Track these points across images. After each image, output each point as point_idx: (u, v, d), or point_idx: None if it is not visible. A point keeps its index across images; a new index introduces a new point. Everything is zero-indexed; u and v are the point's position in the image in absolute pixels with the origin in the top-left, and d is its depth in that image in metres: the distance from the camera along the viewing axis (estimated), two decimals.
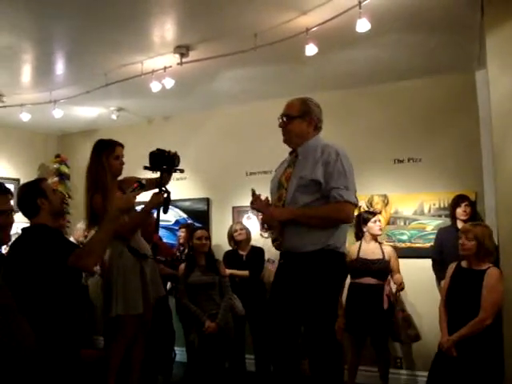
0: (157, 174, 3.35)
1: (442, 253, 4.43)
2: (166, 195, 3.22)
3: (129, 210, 2.57)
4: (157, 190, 3.28)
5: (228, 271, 4.57)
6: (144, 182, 2.75)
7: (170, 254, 5.07)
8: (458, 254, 4.19)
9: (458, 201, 4.46)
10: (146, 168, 3.29)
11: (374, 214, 4.47)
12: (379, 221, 4.42)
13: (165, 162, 3.27)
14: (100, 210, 3.23)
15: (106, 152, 3.36)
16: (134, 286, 3.29)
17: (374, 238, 4.40)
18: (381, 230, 4.42)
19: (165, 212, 3.25)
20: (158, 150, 3.28)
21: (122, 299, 3.25)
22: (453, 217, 4.50)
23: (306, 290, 2.61)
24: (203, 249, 4.40)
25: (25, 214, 2.62)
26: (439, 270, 4.43)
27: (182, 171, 3.42)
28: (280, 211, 2.71)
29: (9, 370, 1.77)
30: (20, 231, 2.58)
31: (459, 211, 4.40)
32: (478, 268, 3.34)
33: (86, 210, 3.32)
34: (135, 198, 2.72)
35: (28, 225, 2.62)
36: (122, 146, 3.45)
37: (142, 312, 3.32)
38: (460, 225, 4.40)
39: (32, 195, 2.58)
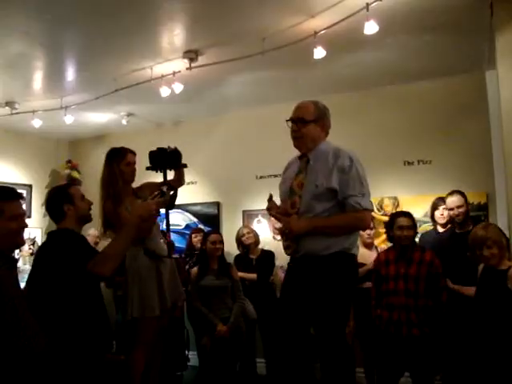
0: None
1: None
2: (172, 193, 3.06)
3: (149, 217, 2.57)
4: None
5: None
6: (165, 189, 2.75)
7: None
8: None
9: (437, 203, 4.26)
10: (148, 168, 3.29)
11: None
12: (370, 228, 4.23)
13: (167, 159, 3.26)
14: (111, 216, 3.30)
15: (117, 159, 3.40)
16: (149, 288, 3.27)
17: (365, 244, 4.29)
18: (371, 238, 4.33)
19: (169, 208, 3.19)
20: (158, 149, 3.25)
21: (137, 302, 3.24)
22: (432, 219, 4.30)
23: (320, 293, 2.57)
24: (217, 253, 4.39)
25: (52, 218, 2.66)
26: None
27: (185, 166, 3.42)
28: (298, 225, 2.63)
29: (20, 371, 1.80)
30: (32, 236, 2.61)
31: (437, 214, 4.20)
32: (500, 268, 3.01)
33: (101, 216, 3.39)
34: (156, 205, 2.71)
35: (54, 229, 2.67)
36: (133, 153, 3.47)
37: (158, 314, 3.27)
38: (440, 228, 4.20)
39: (59, 201, 2.61)
